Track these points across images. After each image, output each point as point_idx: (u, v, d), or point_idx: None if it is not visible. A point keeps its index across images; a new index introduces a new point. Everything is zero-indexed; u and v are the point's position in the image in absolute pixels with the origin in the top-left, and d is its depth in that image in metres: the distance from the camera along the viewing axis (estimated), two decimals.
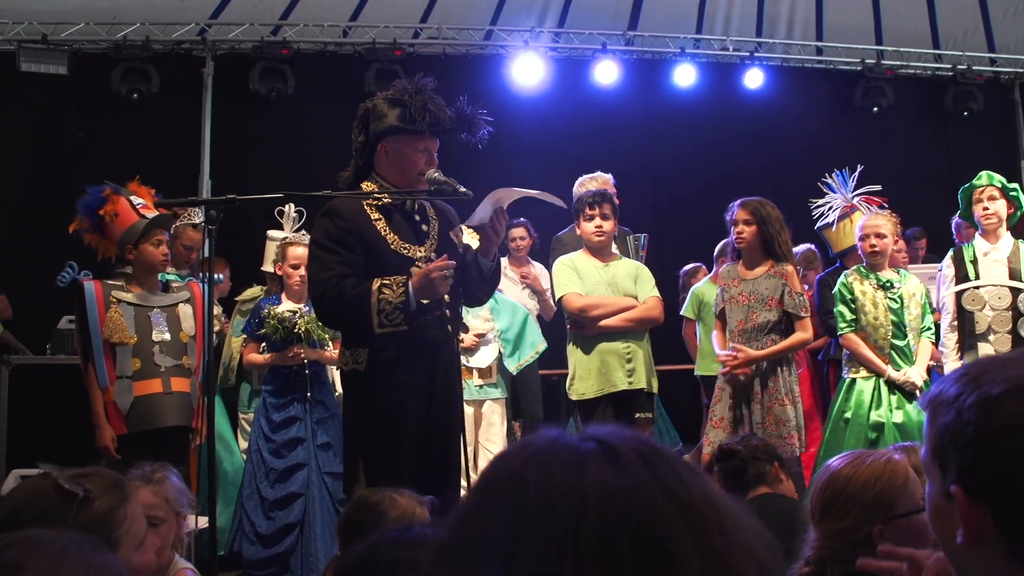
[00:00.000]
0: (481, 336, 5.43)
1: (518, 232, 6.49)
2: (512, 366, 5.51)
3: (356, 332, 3.34)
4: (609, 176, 5.67)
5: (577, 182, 5.67)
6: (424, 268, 3.29)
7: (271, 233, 5.53)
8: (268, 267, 5.42)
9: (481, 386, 5.41)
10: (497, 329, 5.50)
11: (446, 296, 3.37)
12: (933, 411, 1.14)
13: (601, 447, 0.82)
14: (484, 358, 5.45)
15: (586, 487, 0.78)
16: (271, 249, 5.41)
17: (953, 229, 6.40)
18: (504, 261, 6.22)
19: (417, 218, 3.52)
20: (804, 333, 4.73)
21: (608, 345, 4.69)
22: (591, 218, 4.84)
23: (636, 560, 0.76)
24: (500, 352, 5.49)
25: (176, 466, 2.90)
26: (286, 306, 5.05)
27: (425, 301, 3.29)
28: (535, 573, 0.76)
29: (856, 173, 5.91)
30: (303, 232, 5.28)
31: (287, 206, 5.54)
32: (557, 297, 4.87)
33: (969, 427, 1.06)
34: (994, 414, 1.05)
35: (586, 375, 4.70)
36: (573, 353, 4.81)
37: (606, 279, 4.82)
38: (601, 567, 0.75)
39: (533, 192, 3.46)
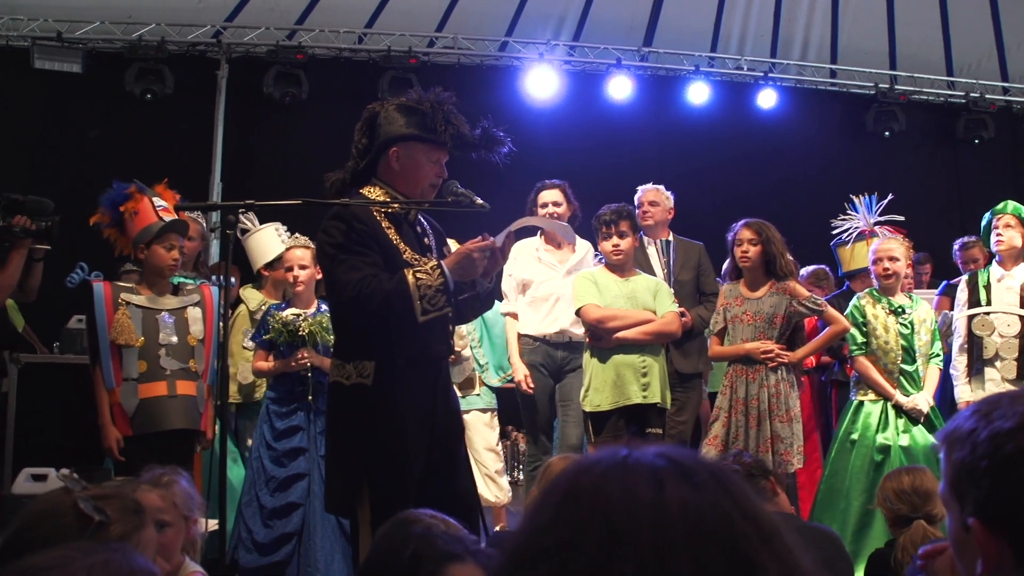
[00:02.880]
0: (456, 354, 5.40)
1: (550, 196, 5.22)
2: (494, 379, 5.49)
3: (397, 327, 3.18)
4: (659, 189, 5.61)
5: (639, 190, 5.64)
6: (462, 247, 3.23)
7: (267, 234, 5.45)
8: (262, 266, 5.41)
9: (464, 396, 5.39)
10: (476, 340, 5.48)
11: (483, 279, 3.34)
12: (949, 447, 1.19)
13: (673, 464, 0.83)
14: (457, 374, 5.41)
15: (668, 504, 0.79)
16: (268, 249, 5.39)
17: (955, 253, 6.42)
18: (536, 242, 5.44)
19: (419, 230, 3.46)
20: (837, 324, 4.89)
21: (624, 358, 4.70)
22: (608, 236, 4.87)
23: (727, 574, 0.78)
24: (477, 363, 5.47)
25: None
26: (291, 310, 5.01)
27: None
28: None
29: (885, 201, 5.96)
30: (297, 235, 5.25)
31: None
32: (575, 308, 4.86)
33: (983, 460, 1.12)
34: (1006, 447, 1.11)
35: (601, 387, 4.70)
36: (589, 364, 4.82)
37: (625, 293, 4.83)
38: None
39: (556, 225, 3.94)
